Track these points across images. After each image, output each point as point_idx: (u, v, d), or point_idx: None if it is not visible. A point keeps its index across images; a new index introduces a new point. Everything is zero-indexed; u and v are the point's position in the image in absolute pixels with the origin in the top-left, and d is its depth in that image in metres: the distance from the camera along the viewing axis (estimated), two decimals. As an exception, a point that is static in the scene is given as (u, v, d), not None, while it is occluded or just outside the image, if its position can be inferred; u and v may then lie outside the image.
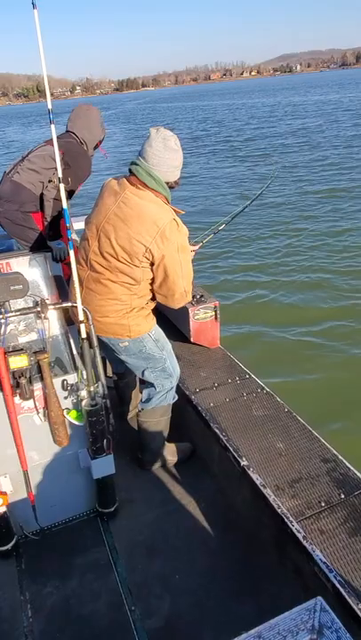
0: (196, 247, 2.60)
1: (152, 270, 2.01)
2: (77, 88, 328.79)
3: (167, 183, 2.00)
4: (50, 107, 1.81)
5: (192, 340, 2.97)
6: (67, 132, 2.84)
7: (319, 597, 1.12)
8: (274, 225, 9.06)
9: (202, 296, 2.97)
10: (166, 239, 1.92)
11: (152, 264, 1.99)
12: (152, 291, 2.12)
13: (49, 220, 2.72)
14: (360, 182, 11.56)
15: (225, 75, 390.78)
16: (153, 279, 2.06)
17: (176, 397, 2.41)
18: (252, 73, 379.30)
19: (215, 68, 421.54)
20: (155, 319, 2.25)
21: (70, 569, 2.02)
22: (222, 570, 1.99)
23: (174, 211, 2.02)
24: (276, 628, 1.07)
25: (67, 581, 1.97)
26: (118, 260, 1.98)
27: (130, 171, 2.01)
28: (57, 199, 2.64)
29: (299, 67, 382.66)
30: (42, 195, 2.69)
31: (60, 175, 1.82)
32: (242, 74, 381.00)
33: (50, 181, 2.69)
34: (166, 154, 1.94)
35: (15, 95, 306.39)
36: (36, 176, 2.68)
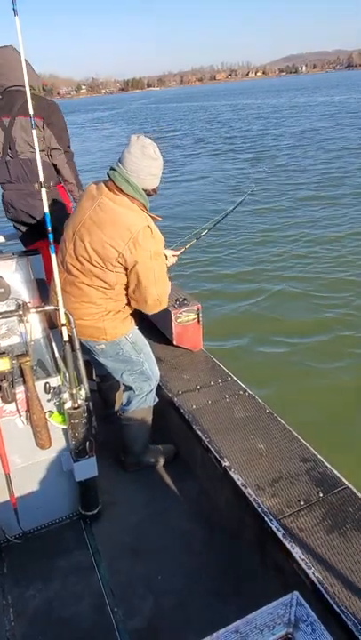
0: (179, 252, 2.63)
1: (126, 275, 2.04)
2: (83, 87, 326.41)
3: (145, 190, 2.03)
4: None
5: (175, 342, 3.00)
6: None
7: (295, 592, 1.15)
8: (259, 231, 9.10)
9: (184, 299, 3.00)
10: (139, 245, 1.95)
11: (126, 269, 2.01)
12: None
13: (75, 181, 2.85)
14: (352, 190, 11.50)
15: (230, 75, 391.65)
16: (128, 284, 2.08)
17: (157, 400, 2.44)
18: (258, 73, 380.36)
19: (221, 68, 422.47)
20: (133, 322, 2.27)
21: (53, 572, 2.02)
22: (206, 570, 2.01)
23: (152, 217, 2.05)
24: (254, 623, 1.09)
25: (49, 584, 1.97)
26: (92, 264, 2.00)
27: (108, 176, 2.04)
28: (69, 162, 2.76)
29: (305, 67, 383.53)
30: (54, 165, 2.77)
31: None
32: (247, 74, 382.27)
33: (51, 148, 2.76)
34: (144, 161, 1.97)
35: None
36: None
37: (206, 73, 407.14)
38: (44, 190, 1.84)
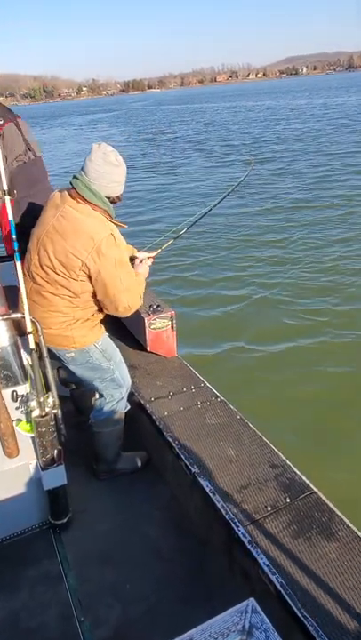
0: (154, 253, 2.61)
1: (92, 284, 2.03)
2: (84, 89, 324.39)
3: (108, 198, 2.03)
4: None
5: (149, 349, 3.00)
6: None
7: (251, 599, 1.16)
8: (238, 235, 9.16)
9: (158, 306, 3.00)
10: (102, 254, 1.95)
11: (90, 278, 2.01)
12: (97, 302, 2.13)
13: None
14: (337, 194, 11.48)
15: (231, 77, 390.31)
16: (95, 292, 2.07)
17: (128, 407, 2.43)
18: (259, 75, 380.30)
19: (221, 69, 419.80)
20: (102, 329, 2.27)
21: (20, 581, 2.00)
22: (175, 577, 2.01)
23: (117, 225, 2.05)
24: (208, 631, 1.10)
25: (16, 594, 1.95)
26: (56, 274, 1.99)
27: (71, 184, 2.03)
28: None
29: (305, 69, 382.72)
30: None
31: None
32: (248, 76, 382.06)
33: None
34: (106, 168, 1.97)
35: (22, 96, 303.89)
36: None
37: (207, 74, 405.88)
38: (7, 198, 1.83)
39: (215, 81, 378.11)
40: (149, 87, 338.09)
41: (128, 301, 2.09)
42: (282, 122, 29.43)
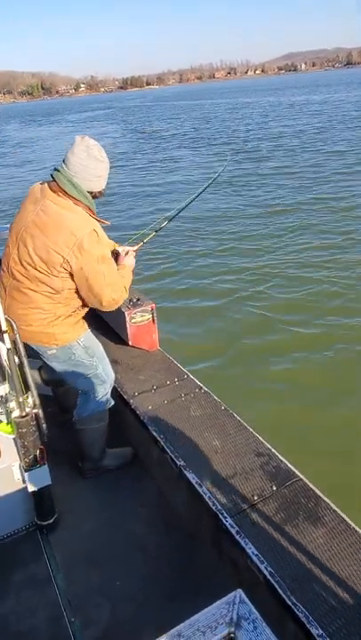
0: (136, 247, 2.58)
1: (73, 280, 1.99)
2: (82, 86, 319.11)
3: (90, 193, 1.99)
4: None
5: (131, 343, 2.97)
6: None
7: (239, 590, 1.14)
8: (218, 228, 9.17)
9: (138, 299, 2.97)
10: (84, 250, 1.90)
11: (71, 274, 1.96)
12: (79, 299, 2.09)
13: None
14: (325, 194, 11.10)
15: (230, 73, 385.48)
16: (77, 288, 2.03)
17: (112, 402, 2.40)
18: (257, 71, 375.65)
19: (220, 66, 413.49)
20: (85, 325, 2.23)
21: (8, 585, 1.97)
22: (164, 572, 1.99)
23: (99, 221, 2.01)
24: (196, 625, 1.08)
25: (4, 599, 1.92)
26: (36, 270, 1.95)
27: (52, 177, 1.98)
28: None
29: (304, 65, 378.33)
30: None
31: None
32: (246, 72, 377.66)
33: None
34: (89, 162, 1.93)
35: (20, 93, 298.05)
36: None
37: (205, 71, 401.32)
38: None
39: (214, 77, 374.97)
40: (148, 84, 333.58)
41: (112, 295, 2.06)
42: (279, 119, 29.08)
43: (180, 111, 45.96)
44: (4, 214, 11.44)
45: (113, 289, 2.06)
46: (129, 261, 2.32)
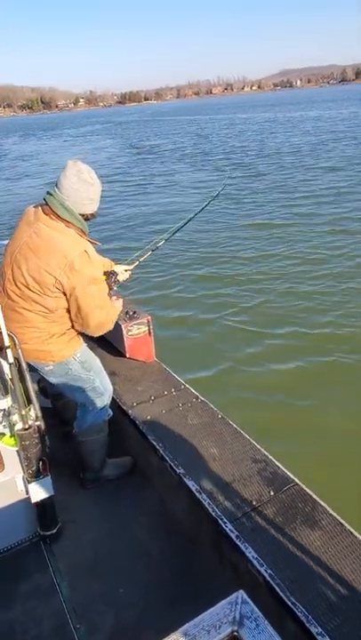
0: (132, 266, 2.63)
1: (67, 300, 2.04)
2: (81, 100, 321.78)
3: (82, 215, 2.05)
4: None
5: (128, 355, 3.03)
6: None
7: (241, 590, 1.20)
8: (212, 240, 9.22)
9: (134, 312, 3.03)
10: (75, 271, 1.96)
11: (64, 294, 2.02)
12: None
13: None
14: (321, 210, 11.03)
15: (226, 89, 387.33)
16: (69, 308, 2.08)
17: (111, 414, 2.45)
18: (253, 87, 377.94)
19: (217, 82, 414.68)
20: (80, 341, 2.28)
21: (13, 596, 2.00)
22: (165, 578, 2.04)
23: (91, 242, 2.07)
24: (201, 624, 1.14)
25: (10, 609, 1.95)
26: (30, 290, 2.00)
27: (45, 200, 2.05)
28: None
29: (299, 82, 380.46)
30: None
31: None
32: (243, 88, 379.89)
33: None
34: (80, 186, 1.99)
35: (19, 106, 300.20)
36: None
37: (203, 87, 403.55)
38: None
39: (211, 93, 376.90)
40: (146, 99, 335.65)
41: (100, 319, 2.10)
42: (276, 135, 29.19)
43: (178, 126, 46.33)
44: (3, 227, 11.52)
45: (101, 311, 2.11)
46: (117, 304, 2.36)
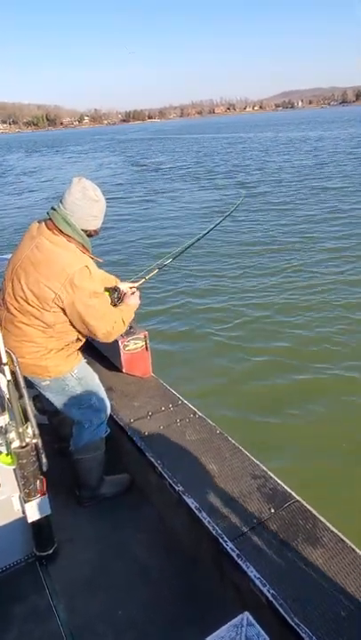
0: (137, 284, 2.62)
1: (66, 315, 2.04)
2: (85, 118, 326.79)
3: (85, 231, 2.06)
4: None
5: (124, 370, 3.01)
6: None
7: (246, 612, 1.18)
8: (211, 258, 9.16)
9: (131, 327, 3.02)
10: (75, 286, 1.96)
11: (63, 309, 2.02)
12: (72, 332, 2.14)
13: None
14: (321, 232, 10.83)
15: (229, 109, 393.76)
16: (70, 322, 2.08)
17: (108, 431, 2.43)
18: (255, 108, 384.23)
19: (220, 102, 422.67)
20: (78, 357, 2.27)
21: (9, 619, 1.95)
22: (166, 598, 2.00)
23: (92, 258, 2.07)
24: (207, 648, 1.11)
25: (6, 632, 1.90)
26: (29, 304, 2.00)
27: (48, 215, 2.06)
28: None
29: (300, 103, 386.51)
30: None
31: None
32: (245, 108, 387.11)
33: None
34: (84, 202, 2.01)
35: (25, 123, 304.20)
36: None
37: (206, 106, 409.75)
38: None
39: (213, 112, 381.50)
40: (150, 117, 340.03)
41: (106, 327, 2.11)
42: (277, 154, 29.22)
43: (181, 144, 46.65)
44: (7, 242, 11.52)
45: (106, 322, 2.11)
46: (132, 301, 2.38)
